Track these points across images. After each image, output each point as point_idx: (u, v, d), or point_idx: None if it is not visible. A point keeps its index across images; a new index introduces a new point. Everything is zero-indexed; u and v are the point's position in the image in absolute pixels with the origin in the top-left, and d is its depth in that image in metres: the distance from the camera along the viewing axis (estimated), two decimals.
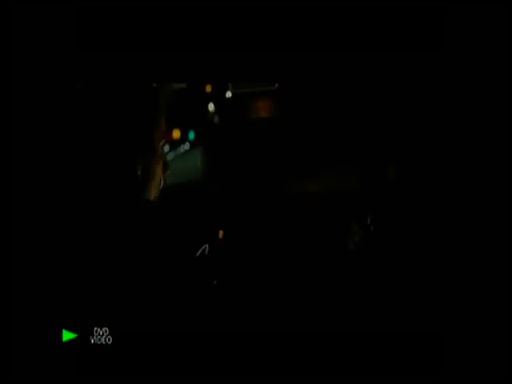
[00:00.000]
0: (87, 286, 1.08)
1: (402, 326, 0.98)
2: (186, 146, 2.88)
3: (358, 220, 1.16)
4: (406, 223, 1.06)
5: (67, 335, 1.05)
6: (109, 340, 1.08)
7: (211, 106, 2.49)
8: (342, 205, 1.21)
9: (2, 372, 1.01)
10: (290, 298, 1.11)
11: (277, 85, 2.04)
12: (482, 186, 0.98)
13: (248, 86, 2.08)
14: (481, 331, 0.95)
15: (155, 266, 1.10)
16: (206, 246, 1.16)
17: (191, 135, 2.91)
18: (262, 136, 2.31)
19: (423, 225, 1.04)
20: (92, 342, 1.07)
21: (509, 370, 0.93)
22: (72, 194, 1.09)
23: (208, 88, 2.52)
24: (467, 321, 0.96)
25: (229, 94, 2.21)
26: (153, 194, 1.26)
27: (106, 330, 1.08)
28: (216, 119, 2.54)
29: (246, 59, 1.10)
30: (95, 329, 1.08)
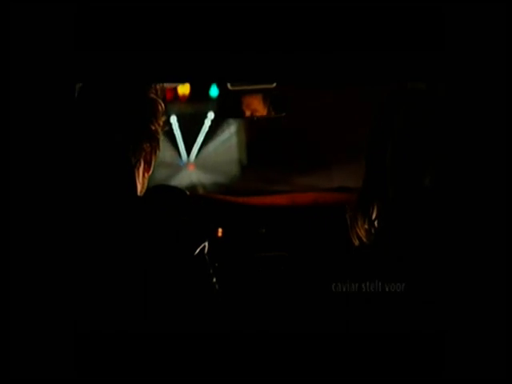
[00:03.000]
0: (85, 285, 1.08)
1: (402, 326, 0.98)
2: (209, 115, 2.00)
3: (364, 215, 1.16)
4: (409, 221, 1.06)
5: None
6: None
7: None
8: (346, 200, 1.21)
9: (2, 372, 1.01)
10: (290, 296, 1.11)
11: (275, 84, 2.04)
12: (482, 186, 0.98)
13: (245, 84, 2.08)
14: (481, 331, 0.96)
15: (153, 264, 1.10)
16: (206, 243, 1.16)
17: (214, 91, 1.89)
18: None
19: (426, 222, 1.04)
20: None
21: (509, 370, 0.94)
22: (71, 191, 1.09)
23: None
24: (467, 321, 0.96)
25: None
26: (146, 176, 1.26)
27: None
28: None
29: (247, 60, 1.10)
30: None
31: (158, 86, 1.26)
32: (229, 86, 2.09)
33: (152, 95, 1.24)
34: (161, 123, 1.26)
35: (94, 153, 1.18)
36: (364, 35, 1.08)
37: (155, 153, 1.27)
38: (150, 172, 1.29)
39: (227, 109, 2.25)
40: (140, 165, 1.23)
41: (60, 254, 1.04)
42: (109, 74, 1.13)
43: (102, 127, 1.19)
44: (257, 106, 2.24)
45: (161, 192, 2.23)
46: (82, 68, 1.10)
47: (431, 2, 1.06)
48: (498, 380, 0.94)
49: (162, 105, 1.27)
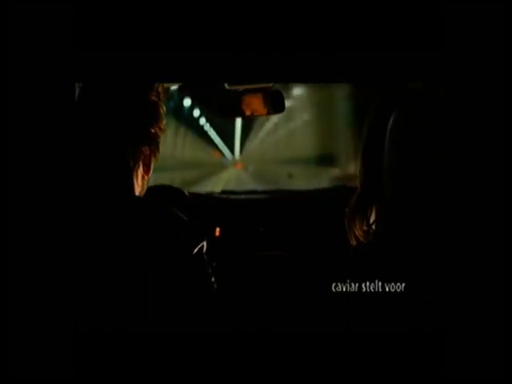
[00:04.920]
0: (85, 285, 1.08)
1: (402, 326, 0.98)
2: None
3: (362, 216, 1.16)
4: (409, 221, 1.06)
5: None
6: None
7: None
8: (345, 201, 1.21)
9: (2, 372, 1.01)
10: (290, 296, 1.11)
11: (272, 83, 2.05)
12: (482, 186, 0.98)
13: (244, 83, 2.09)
14: (481, 331, 0.96)
15: (152, 264, 1.10)
16: (204, 243, 1.16)
17: None
18: None
19: (425, 222, 1.04)
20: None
21: (509, 370, 0.94)
22: (69, 192, 1.09)
23: None
24: (467, 321, 0.96)
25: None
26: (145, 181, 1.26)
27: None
28: None
29: (247, 60, 1.10)
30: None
31: (159, 89, 1.25)
32: (226, 85, 2.09)
33: (153, 97, 1.24)
34: (162, 126, 1.26)
35: (92, 154, 1.18)
36: (364, 35, 1.08)
37: (155, 156, 1.27)
38: (150, 175, 1.28)
39: (225, 108, 2.26)
40: (139, 167, 1.23)
41: (59, 254, 1.04)
42: (109, 75, 1.13)
43: (101, 129, 1.19)
44: (255, 105, 2.24)
45: (159, 191, 2.23)
46: (82, 68, 1.10)
47: (431, 2, 1.06)
48: (498, 380, 0.94)
49: (164, 108, 1.26)
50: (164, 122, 1.27)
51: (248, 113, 2.23)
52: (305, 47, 1.09)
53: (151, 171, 1.28)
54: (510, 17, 1.00)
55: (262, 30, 1.08)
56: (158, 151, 1.27)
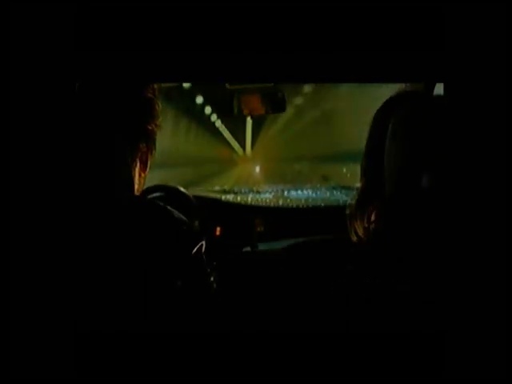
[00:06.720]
0: (85, 285, 1.08)
1: (402, 326, 0.98)
2: None
3: (362, 214, 1.17)
4: (409, 221, 1.06)
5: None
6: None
7: None
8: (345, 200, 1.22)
9: (2, 372, 1.01)
10: (289, 296, 1.11)
11: (273, 83, 2.06)
12: (483, 186, 0.98)
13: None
14: (481, 331, 0.96)
15: (152, 264, 1.10)
16: (203, 243, 1.17)
17: None
18: None
19: (426, 222, 1.04)
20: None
21: (509, 370, 0.94)
22: (68, 191, 1.09)
23: None
24: (467, 321, 0.96)
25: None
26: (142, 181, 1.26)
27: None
28: None
29: (247, 60, 1.10)
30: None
31: (155, 86, 1.27)
32: (227, 84, 2.10)
33: (149, 95, 1.25)
34: (158, 123, 1.27)
35: (91, 153, 1.18)
36: (364, 35, 1.08)
37: (151, 153, 1.28)
38: (147, 172, 1.29)
39: (226, 107, 2.26)
40: (136, 165, 1.24)
41: (59, 253, 1.04)
42: (108, 74, 1.13)
43: (99, 127, 1.19)
44: (255, 105, 2.25)
45: (159, 191, 2.23)
46: (82, 68, 1.10)
47: (431, 2, 1.06)
48: (498, 380, 0.94)
49: (159, 104, 1.27)
50: (160, 118, 1.27)
51: (247, 112, 2.24)
52: (305, 47, 1.09)
53: (148, 168, 1.28)
54: (510, 17, 1.00)
55: (262, 30, 1.08)
56: (155, 148, 1.28)
